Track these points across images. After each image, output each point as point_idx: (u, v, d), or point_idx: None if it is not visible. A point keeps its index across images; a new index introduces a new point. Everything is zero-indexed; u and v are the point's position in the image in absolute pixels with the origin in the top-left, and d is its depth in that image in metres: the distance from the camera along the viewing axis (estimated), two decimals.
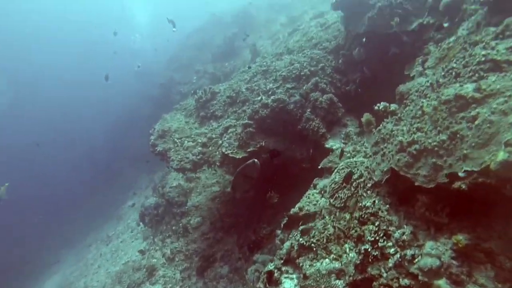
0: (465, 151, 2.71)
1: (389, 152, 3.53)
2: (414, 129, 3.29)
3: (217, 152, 7.29)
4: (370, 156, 4.03)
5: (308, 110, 6.48)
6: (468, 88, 3.01)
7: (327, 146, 6.15)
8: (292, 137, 6.85)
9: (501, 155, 2.36)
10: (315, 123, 6.36)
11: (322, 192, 4.96)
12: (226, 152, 6.87)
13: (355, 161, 4.71)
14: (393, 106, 4.22)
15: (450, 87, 3.25)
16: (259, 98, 7.06)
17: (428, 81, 3.97)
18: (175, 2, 51.77)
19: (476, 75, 3.14)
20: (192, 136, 7.94)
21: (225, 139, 7.22)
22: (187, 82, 18.88)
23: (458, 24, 4.66)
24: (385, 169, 3.48)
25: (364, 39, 5.70)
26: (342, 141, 6.10)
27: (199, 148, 7.50)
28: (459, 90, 3.04)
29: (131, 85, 26.83)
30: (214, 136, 7.60)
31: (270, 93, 7.02)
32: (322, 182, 5.19)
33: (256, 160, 4.08)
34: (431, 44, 5.09)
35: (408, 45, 5.42)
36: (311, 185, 5.43)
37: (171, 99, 18.36)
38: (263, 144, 6.83)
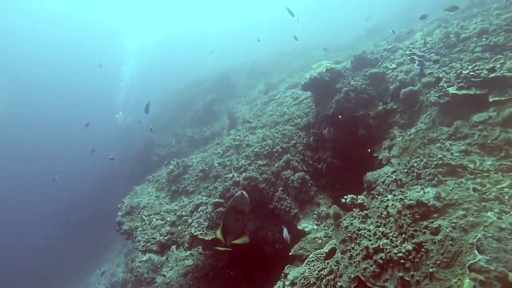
0: (431, 269, 2.54)
1: (356, 254, 3.32)
2: (380, 233, 3.14)
3: (186, 232, 6.84)
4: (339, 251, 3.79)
5: (280, 189, 6.33)
6: (430, 194, 2.95)
7: (299, 227, 5.90)
8: (264, 216, 6.57)
9: (467, 284, 2.19)
10: (287, 202, 6.16)
11: (293, 285, 4.57)
12: (195, 233, 6.45)
13: (325, 252, 4.43)
14: (360, 198, 4.11)
15: (413, 190, 3.21)
16: (230, 175, 6.90)
17: (394, 171, 3.97)
18: (161, 60, 54.70)
19: (436, 179, 3.13)
20: (162, 213, 7.51)
21: (195, 218, 6.85)
22: (165, 145, 18.87)
23: (418, 114, 4.86)
24: (352, 276, 3.23)
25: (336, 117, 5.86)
26: (315, 222, 5.88)
27: (168, 228, 7.03)
28: (420, 196, 2.98)
29: (113, 141, 26.72)
30: (184, 213, 7.21)
31: (242, 169, 6.90)
32: (293, 273, 4.82)
33: (244, 192, 3.39)
34: (395, 128, 5.25)
35: (375, 127, 5.56)
36: (282, 274, 5.04)
37: (150, 160, 18.15)
38: None
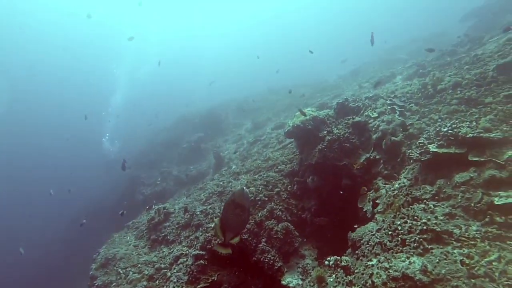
0: None
1: None
2: None
3: (165, 287, 6.34)
4: None
5: (264, 240, 6.02)
6: (415, 266, 2.77)
7: (283, 282, 5.53)
8: (247, 269, 6.18)
9: None
10: (270, 255, 5.83)
11: None
12: None
13: None
14: (344, 260, 3.88)
15: (398, 259, 3.02)
16: (213, 224, 6.58)
17: (379, 229, 3.82)
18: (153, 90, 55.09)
19: (421, 246, 2.96)
20: (139, 265, 7.01)
21: (174, 271, 6.40)
22: (151, 184, 18.37)
23: (401, 165, 4.80)
24: None
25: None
26: (300, 276, 5.54)
27: (144, 283, 6.52)
28: (406, 268, 2.79)
29: (99, 176, 25.95)
30: (163, 266, 6.74)
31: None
32: None
33: (245, 187, 3.34)
34: (379, 179, 5.15)
35: (359, 177, 5.46)
36: None
37: (135, 198, 17.54)
38: (215, 278, 6.06)
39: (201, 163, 16.60)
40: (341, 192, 5.67)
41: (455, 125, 3.61)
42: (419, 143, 4.01)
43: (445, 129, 3.62)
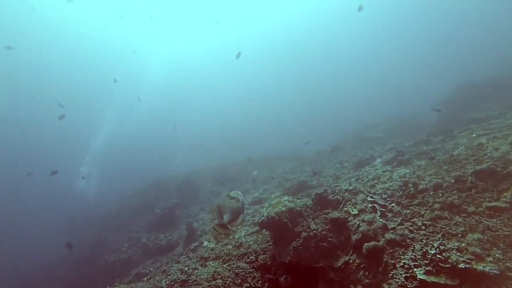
0: None
1: None
2: None
3: None
4: None
5: None
6: None
7: None
8: None
9: None
10: None
11: None
12: None
13: None
14: None
15: None
16: None
17: None
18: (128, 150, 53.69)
19: None
20: None
21: None
22: (116, 250, 16.70)
23: (382, 277, 4.30)
24: None
25: None
26: None
27: None
28: None
29: (60, 238, 23.46)
30: None
31: None
32: None
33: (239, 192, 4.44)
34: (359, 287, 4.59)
35: (336, 283, 4.85)
36: None
37: (96, 266, 15.68)
38: None
39: (173, 232, 15.39)
40: None
41: (443, 247, 3.27)
42: (404, 263, 3.60)
43: (432, 251, 3.27)
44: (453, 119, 14.24)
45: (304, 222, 5.47)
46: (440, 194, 5.05)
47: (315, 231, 5.17)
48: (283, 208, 5.57)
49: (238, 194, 4.43)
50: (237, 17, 52.26)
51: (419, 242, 3.88)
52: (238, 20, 53.25)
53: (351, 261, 4.82)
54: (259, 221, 5.78)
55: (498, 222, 3.90)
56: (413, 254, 3.65)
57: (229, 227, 4.20)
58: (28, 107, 47.44)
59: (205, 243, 10.23)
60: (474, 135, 9.02)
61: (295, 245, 5.14)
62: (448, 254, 3.17)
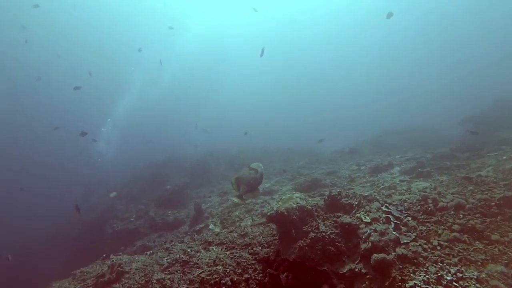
0: None
1: None
2: None
3: None
4: None
5: None
6: None
7: None
8: None
9: None
10: None
11: None
12: None
13: None
14: None
15: None
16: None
17: None
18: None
19: None
20: None
21: None
22: (124, 219, 17.20)
23: None
24: None
25: None
26: None
27: None
28: None
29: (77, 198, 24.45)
30: None
31: None
32: None
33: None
34: None
35: None
36: None
37: (104, 232, 16.25)
38: None
39: (181, 210, 15.66)
40: None
41: (461, 274, 3.07)
42: (415, 284, 3.42)
43: (448, 277, 3.07)
44: (483, 136, 13.54)
45: (314, 222, 5.33)
46: (461, 215, 4.78)
47: (324, 233, 5.03)
48: (294, 205, 5.45)
49: (259, 166, 4.60)
50: (273, 6, 51.26)
51: (434, 265, 3.68)
52: (275, 9, 52.25)
53: (357, 269, 4.67)
54: (268, 214, 5.69)
55: None
56: (427, 276, 3.46)
57: (244, 197, 4.64)
58: (56, 67, 48.53)
59: (211, 226, 10.32)
60: (505, 157, 8.51)
61: (301, 245, 5.03)
62: (466, 284, 2.97)
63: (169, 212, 15.59)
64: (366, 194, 6.00)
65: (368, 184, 8.96)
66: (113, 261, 7.41)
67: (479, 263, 3.75)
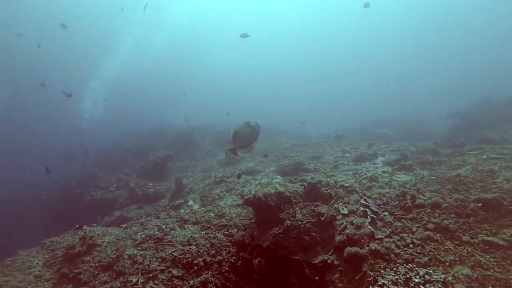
0: None
1: None
2: None
3: None
4: None
5: None
6: None
7: None
8: None
9: None
10: None
11: None
12: None
13: None
14: None
15: None
16: (134, 279, 5.59)
17: None
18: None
19: None
20: None
21: None
22: (104, 188, 16.95)
23: (359, 286, 4.17)
24: None
25: None
26: None
27: None
28: None
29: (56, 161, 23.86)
30: None
31: (151, 275, 5.64)
32: None
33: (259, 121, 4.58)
34: None
35: (309, 280, 4.76)
36: None
37: (83, 199, 15.99)
38: None
39: (162, 183, 15.50)
40: None
41: (428, 277, 3.07)
42: (383, 284, 3.42)
43: (416, 279, 3.07)
44: (466, 134, 13.74)
45: (291, 209, 5.27)
46: (437, 214, 4.80)
47: (300, 222, 4.99)
48: (272, 191, 5.35)
49: (256, 124, 4.58)
50: None
51: (404, 265, 3.68)
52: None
53: (329, 261, 4.67)
54: (245, 197, 5.59)
55: (491, 260, 3.67)
56: (396, 277, 3.46)
57: (238, 152, 4.75)
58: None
59: (190, 202, 10.24)
60: (484, 157, 8.64)
61: (276, 232, 4.99)
62: (432, 287, 2.97)
63: (150, 184, 15.39)
64: (346, 185, 5.95)
65: (351, 173, 8.96)
66: (85, 232, 7.26)
67: (447, 263, 3.78)
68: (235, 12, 55.38)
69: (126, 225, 8.02)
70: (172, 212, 8.28)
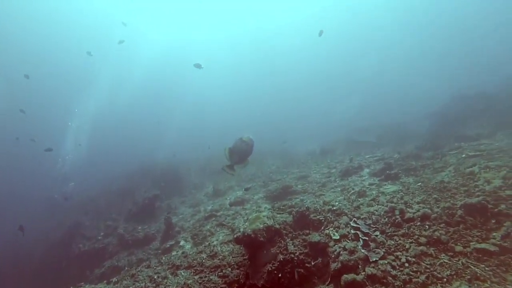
0: None
1: None
2: None
3: None
4: None
5: None
6: None
7: None
8: None
9: None
10: None
11: None
12: None
13: None
14: None
15: None
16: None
17: None
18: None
19: None
20: None
21: None
22: (92, 238, 16.20)
23: None
24: None
25: None
26: None
27: None
28: None
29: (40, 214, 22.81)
30: None
31: None
32: None
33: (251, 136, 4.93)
34: None
35: None
36: None
37: (70, 253, 15.16)
38: None
39: (151, 224, 14.98)
40: None
41: None
42: None
43: None
44: (444, 132, 14.11)
45: (282, 242, 5.13)
46: (427, 226, 4.77)
47: (292, 255, 4.84)
48: (261, 226, 5.22)
49: (249, 139, 4.86)
50: (233, 13, 50.83)
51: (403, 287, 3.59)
52: (236, 17, 51.88)
53: None
54: (235, 236, 5.42)
55: (486, 269, 3.63)
56: None
57: (235, 167, 5.11)
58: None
59: (182, 242, 9.92)
60: (463, 155, 8.84)
61: (270, 269, 4.81)
62: None
63: (139, 227, 14.83)
64: (334, 208, 5.89)
65: (339, 189, 8.93)
66: None
67: (445, 279, 3.71)
68: (208, 43, 56.63)
69: (116, 279, 7.60)
70: (163, 258, 7.93)
